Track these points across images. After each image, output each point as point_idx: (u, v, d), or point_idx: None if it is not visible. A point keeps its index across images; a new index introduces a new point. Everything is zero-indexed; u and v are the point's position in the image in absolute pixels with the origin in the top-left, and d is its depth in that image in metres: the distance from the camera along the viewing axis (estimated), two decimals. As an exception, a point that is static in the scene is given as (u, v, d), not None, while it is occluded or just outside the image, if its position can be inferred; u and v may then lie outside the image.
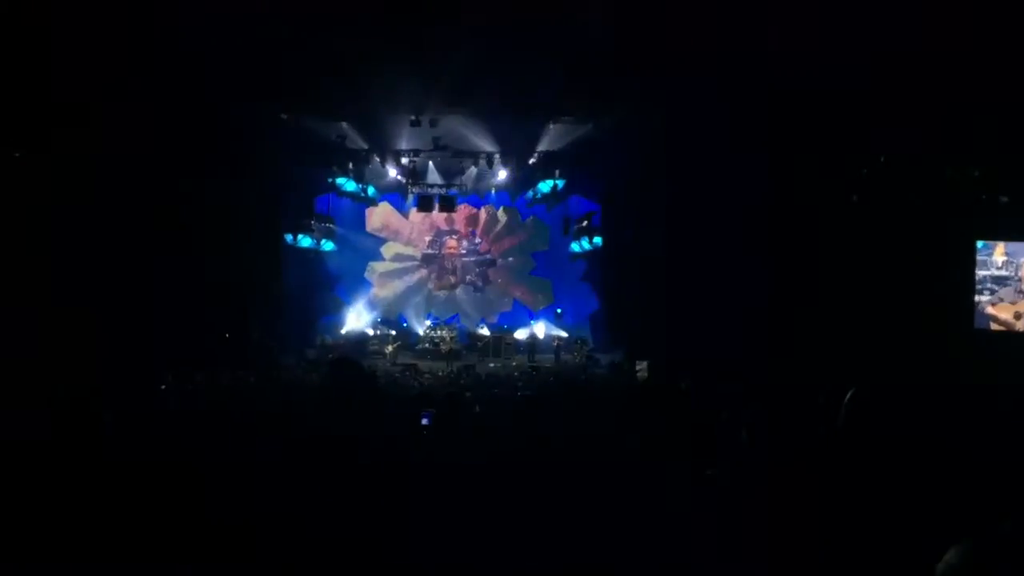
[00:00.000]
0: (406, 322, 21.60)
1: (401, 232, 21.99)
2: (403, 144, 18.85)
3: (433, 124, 16.59)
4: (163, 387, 10.15)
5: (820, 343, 13.05)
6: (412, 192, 20.57)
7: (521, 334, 21.07)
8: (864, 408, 4.03)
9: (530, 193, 21.24)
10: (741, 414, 4.32)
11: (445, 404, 6.00)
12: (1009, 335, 14.51)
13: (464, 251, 22.02)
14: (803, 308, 14.07)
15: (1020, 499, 3.32)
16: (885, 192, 14.60)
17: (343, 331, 20.88)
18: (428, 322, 20.97)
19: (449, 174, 20.43)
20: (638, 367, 12.19)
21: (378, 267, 21.89)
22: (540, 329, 21.22)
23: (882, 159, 14.70)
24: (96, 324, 13.46)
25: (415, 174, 20.03)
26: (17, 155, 13.93)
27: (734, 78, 12.68)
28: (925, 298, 13.91)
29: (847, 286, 14.04)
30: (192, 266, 15.37)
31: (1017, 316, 14.56)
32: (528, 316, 21.75)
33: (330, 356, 18.08)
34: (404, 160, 19.46)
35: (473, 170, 19.97)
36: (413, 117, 16.33)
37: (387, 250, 21.94)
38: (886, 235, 14.22)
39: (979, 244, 14.82)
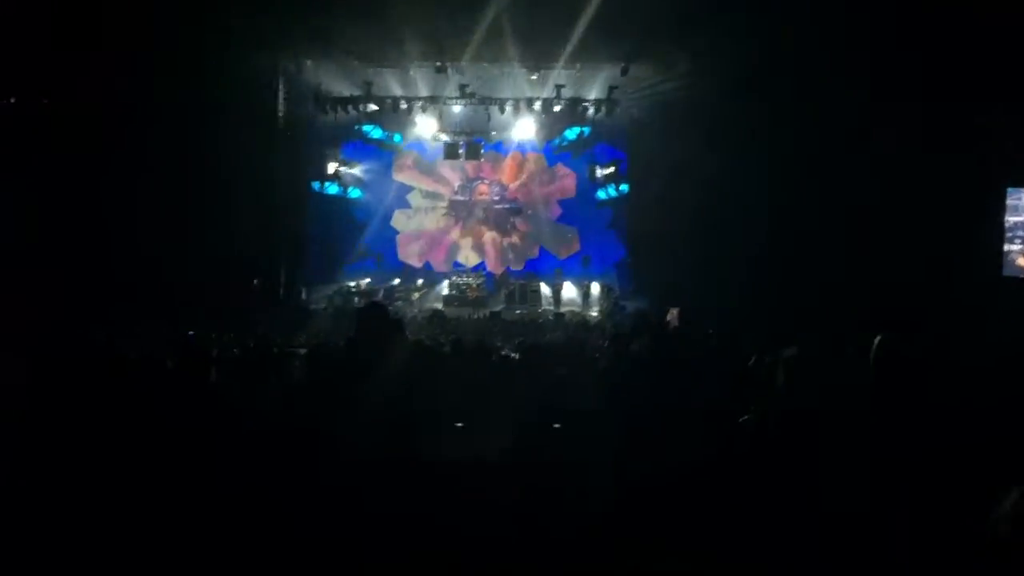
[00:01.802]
0: (432, 268, 21.68)
1: (427, 179, 21.97)
2: (429, 91, 18.79)
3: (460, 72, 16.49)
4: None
5: (848, 291, 13.02)
6: (438, 139, 20.49)
7: (547, 281, 21.11)
8: (892, 358, 4.05)
9: (556, 140, 21.11)
10: (774, 358, 4.34)
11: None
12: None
13: (490, 198, 21.97)
14: (831, 256, 14.00)
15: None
16: (913, 138, 14.43)
17: (369, 277, 21.01)
18: (455, 269, 21.06)
19: (475, 121, 20.31)
20: (668, 315, 12.20)
21: (405, 214, 21.92)
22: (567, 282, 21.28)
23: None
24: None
25: (441, 121, 19.96)
26: (45, 102, 14.07)
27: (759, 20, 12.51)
28: (953, 246, 13.76)
29: (875, 234, 13.93)
30: (220, 215, 15.49)
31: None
32: (555, 263, 21.76)
33: (357, 301, 18.32)
34: (431, 107, 19.39)
35: (499, 117, 19.86)
36: (439, 63, 16.25)
37: (414, 197, 21.94)
38: (914, 181, 14.06)
39: (1009, 190, 14.58)
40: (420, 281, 20.68)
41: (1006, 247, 14.55)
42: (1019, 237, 14.55)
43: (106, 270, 13.91)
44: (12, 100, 13.61)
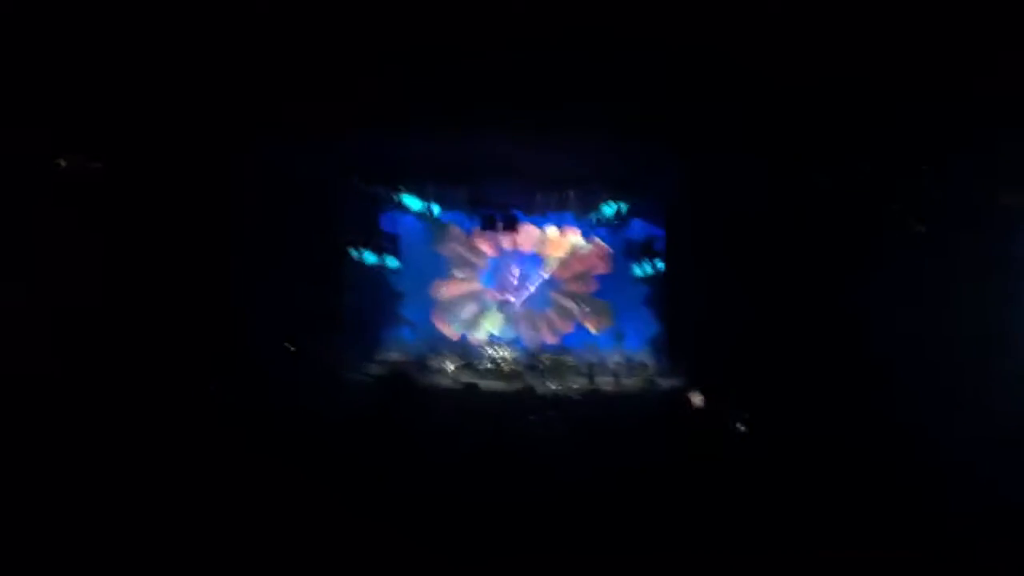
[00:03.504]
0: (467, 340, 21.69)
1: (464, 250, 22.10)
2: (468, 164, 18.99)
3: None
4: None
5: (888, 371, 12.83)
6: (476, 212, 20.63)
7: (581, 356, 21.02)
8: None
9: (593, 215, 21.20)
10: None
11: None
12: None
13: (526, 272, 22.02)
14: (868, 334, 13.83)
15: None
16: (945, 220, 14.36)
17: (403, 349, 21.06)
18: (490, 340, 21.06)
19: (513, 195, 20.45)
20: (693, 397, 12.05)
21: (442, 285, 22.02)
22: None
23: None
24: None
25: (480, 194, 20.13)
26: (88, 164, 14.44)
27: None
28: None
29: (904, 317, 13.79)
30: (256, 281, 15.66)
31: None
32: (589, 338, 21.69)
33: (396, 372, 18.39)
34: (468, 180, 19.60)
35: (538, 192, 20.00)
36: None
37: (450, 268, 22.07)
38: (948, 259, 13.97)
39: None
40: (456, 353, 20.66)
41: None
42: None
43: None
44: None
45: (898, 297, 13.93)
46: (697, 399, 10.30)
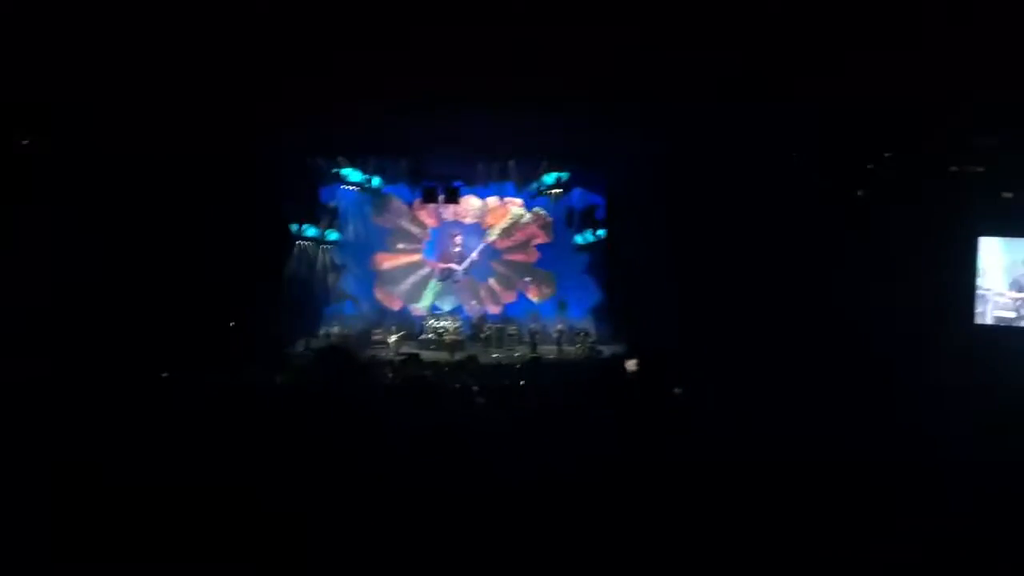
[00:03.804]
0: (409, 311, 21.69)
1: (405, 223, 22.04)
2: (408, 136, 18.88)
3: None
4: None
5: (823, 341, 13.11)
6: (417, 184, 20.55)
7: (524, 324, 21.18)
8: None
9: (534, 185, 21.26)
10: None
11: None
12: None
13: (469, 243, 22.04)
14: (803, 304, 14.12)
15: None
16: (889, 188, 14.68)
17: (346, 321, 21.02)
18: (431, 312, 21.07)
19: (454, 166, 20.38)
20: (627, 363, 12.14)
21: (383, 257, 21.95)
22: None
23: (886, 155, 14.77)
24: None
25: (420, 165, 20.04)
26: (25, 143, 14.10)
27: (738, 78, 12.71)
28: (927, 296, 13.97)
29: (851, 282, 14.11)
30: (196, 258, 15.48)
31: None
32: (531, 307, 21.85)
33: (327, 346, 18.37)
34: (409, 152, 19.50)
35: (478, 163, 20.02)
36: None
37: (392, 241, 22.00)
38: (890, 230, 14.29)
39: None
40: (396, 325, 20.63)
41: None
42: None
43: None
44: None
45: (840, 265, 14.25)
46: (632, 365, 10.40)
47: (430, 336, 20.38)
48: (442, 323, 20.52)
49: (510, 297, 22.20)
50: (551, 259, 22.10)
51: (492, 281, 22.23)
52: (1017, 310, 14.60)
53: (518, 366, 16.47)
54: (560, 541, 3.59)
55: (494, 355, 19.12)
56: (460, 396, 7.25)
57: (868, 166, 14.75)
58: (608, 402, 5.89)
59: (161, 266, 15.05)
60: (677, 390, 7.39)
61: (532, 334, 20.44)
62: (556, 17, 10.53)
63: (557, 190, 20.95)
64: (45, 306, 13.34)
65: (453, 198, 20.57)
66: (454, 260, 21.93)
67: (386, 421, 4.93)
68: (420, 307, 21.71)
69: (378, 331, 20.47)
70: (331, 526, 3.59)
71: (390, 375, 13.89)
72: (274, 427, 5.09)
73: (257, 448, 4.49)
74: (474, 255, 21.93)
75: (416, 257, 22.14)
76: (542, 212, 22.06)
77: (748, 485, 3.79)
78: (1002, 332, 14.55)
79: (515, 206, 22.12)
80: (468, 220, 22.13)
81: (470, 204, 21.90)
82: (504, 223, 22.18)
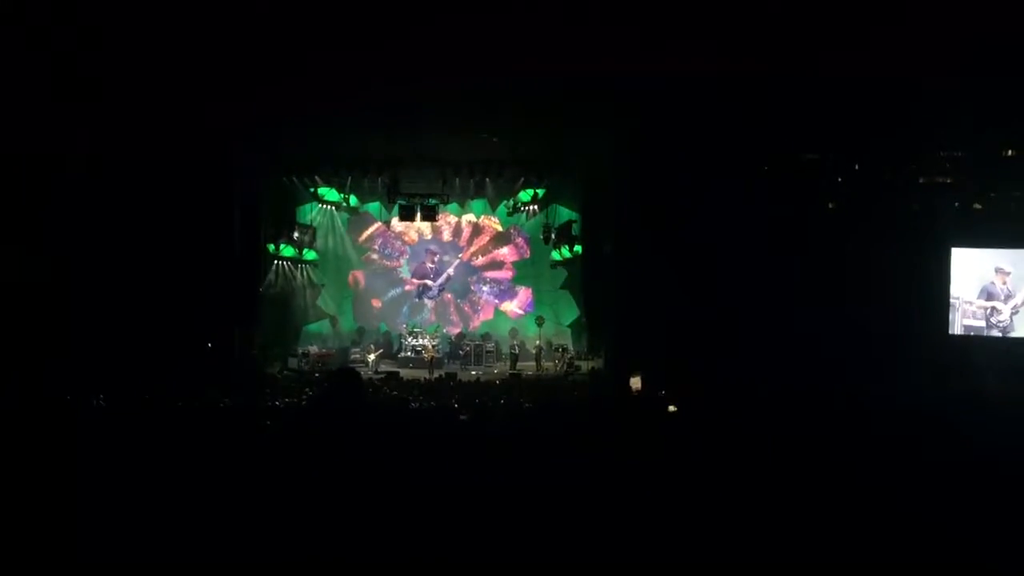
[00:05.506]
0: (387, 329, 21.67)
1: (383, 241, 22.05)
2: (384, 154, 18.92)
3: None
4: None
5: (797, 349, 13.23)
6: (394, 201, 20.52)
7: (503, 341, 21.19)
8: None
9: (511, 201, 21.30)
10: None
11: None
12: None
13: (446, 259, 22.04)
14: (778, 314, 14.24)
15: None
16: (861, 199, 14.86)
17: (324, 340, 20.99)
18: (410, 330, 21.03)
19: (430, 183, 20.37)
20: (632, 382, 12.18)
21: (360, 275, 21.94)
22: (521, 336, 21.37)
23: (856, 166, 14.97)
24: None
25: (396, 183, 20.00)
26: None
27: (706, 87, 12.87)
28: (900, 305, 14.14)
29: (824, 292, 14.25)
30: (175, 276, 15.43)
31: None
32: (509, 323, 21.87)
33: (319, 365, 18.38)
34: (386, 169, 19.50)
35: (455, 180, 20.05)
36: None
37: (369, 259, 22.00)
38: (862, 241, 14.47)
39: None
40: (375, 343, 20.59)
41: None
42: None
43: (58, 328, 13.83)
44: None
45: (816, 275, 14.36)
46: (637, 383, 10.48)
47: (409, 354, 20.32)
48: (420, 341, 20.46)
49: (488, 314, 22.23)
50: (528, 275, 22.13)
51: (470, 298, 22.26)
52: (986, 319, 14.79)
53: (497, 383, 16.50)
54: (545, 551, 3.63)
55: (473, 372, 19.11)
56: (441, 415, 7.29)
57: (838, 178, 14.91)
58: (615, 422, 5.95)
59: (136, 286, 14.97)
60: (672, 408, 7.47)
61: (511, 350, 20.44)
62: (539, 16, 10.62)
63: (533, 206, 20.98)
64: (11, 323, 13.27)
65: (430, 215, 20.58)
66: (430, 276, 21.92)
67: (373, 439, 4.97)
68: (399, 325, 21.66)
69: (356, 350, 20.44)
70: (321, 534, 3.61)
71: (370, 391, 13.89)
72: (255, 449, 5.11)
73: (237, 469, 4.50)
74: (450, 271, 21.93)
75: (393, 275, 22.13)
76: (518, 228, 22.10)
77: (730, 494, 3.85)
78: (974, 342, 14.72)
79: (491, 223, 22.16)
80: (444, 237, 22.16)
81: (447, 221, 21.94)
82: (481, 240, 22.22)
